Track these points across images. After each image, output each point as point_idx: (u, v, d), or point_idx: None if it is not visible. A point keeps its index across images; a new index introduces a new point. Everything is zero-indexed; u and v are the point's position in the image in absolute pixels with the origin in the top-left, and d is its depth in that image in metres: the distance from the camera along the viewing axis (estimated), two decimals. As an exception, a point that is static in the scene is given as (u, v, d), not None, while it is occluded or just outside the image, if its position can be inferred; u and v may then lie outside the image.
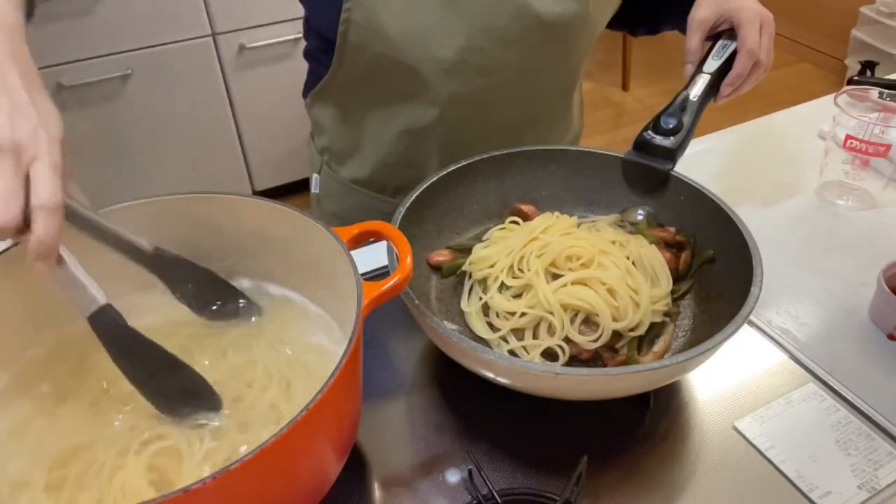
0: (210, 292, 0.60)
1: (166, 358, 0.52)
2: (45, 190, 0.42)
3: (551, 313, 0.61)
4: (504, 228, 0.74)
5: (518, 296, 0.65)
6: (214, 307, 0.60)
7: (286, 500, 0.47)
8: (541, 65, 0.80)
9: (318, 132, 0.93)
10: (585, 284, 0.62)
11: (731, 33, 0.77)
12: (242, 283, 0.63)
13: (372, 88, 0.82)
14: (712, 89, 0.76)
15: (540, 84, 0.84)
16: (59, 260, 0.47)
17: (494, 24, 0.74)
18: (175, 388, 0.52)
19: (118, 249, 0.54)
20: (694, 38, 0.75)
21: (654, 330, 0.64)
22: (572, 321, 0.62)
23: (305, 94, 0.90)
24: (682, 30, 0.80)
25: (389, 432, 0.62)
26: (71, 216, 0.48)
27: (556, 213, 0.73)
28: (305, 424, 0.41)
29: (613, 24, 0.92)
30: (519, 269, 0.65)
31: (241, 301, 0.61)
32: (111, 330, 0.50)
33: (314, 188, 0.98)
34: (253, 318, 0.61)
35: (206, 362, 0.57)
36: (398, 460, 0.59)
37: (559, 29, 0.76)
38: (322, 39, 0.81)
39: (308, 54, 0.88)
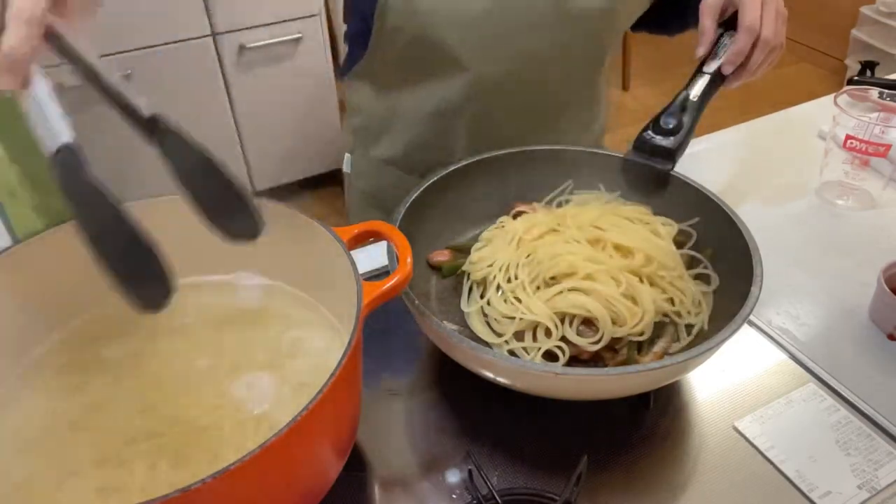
0: (217, 188, 0.50)
1: (129, 228, 0.44)
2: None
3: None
4: (496, 228, 0.74)
5: (518, 297, 0.64)
6: (225, 214, 0.50)
7: (286, 500, 0.47)
8: (568, 53, 0.84)
9: (353, 112, 0.98)
10: (583, 291, 0.62)
11: (733, 30, 0.77)
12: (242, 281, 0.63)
13: (406, 69, 0.86)
14: (713, 89, 0.76)
15: (566, 71, 0.87)
16: (27, 82, 0.43)
17: (527, 9, 0.78)
18: (131, 262, 0.45)
19: (111, 103, 0.50)
20: (706, 21, 0.76)
21: (655, 330, 0.64)
22: (571, 322, 0.62)
23: (343, 75, 0.96)
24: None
25: (389, 432, 0.62)
26: (61, 49, 0.46)
27: (534, 204, 0.75)
28: (305, 425, 0.41)
29: (647, 28, 0.95)
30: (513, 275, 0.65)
31: (252, 212, 0.51)
32: (70, 176, 0.43)
33: (346, 168, 1.03)
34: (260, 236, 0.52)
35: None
36: (398, 460, 0.59)
37: (586, 21, 0.81)
38: (363, 22, 0.85)
39: (349, 37, 0.92)
